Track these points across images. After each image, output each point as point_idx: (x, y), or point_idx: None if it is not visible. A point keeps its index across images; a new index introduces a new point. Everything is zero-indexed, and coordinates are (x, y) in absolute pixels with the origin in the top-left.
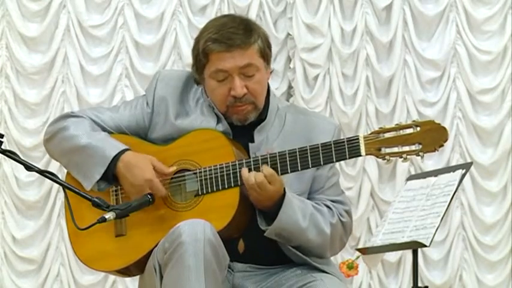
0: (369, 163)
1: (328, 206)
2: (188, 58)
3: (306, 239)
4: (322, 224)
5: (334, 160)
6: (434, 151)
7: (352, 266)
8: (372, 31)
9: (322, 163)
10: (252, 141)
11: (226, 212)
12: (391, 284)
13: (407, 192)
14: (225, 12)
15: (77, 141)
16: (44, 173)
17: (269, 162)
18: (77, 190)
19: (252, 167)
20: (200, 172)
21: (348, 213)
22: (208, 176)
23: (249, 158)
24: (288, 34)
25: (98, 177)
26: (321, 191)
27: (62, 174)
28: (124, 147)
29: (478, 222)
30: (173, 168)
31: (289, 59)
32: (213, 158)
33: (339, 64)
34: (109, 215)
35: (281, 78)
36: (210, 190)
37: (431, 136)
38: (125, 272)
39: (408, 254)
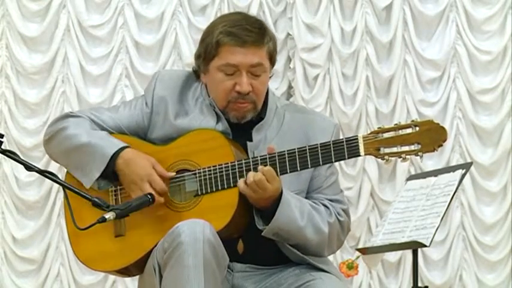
0: (369, 163)
1: (325, 205)
2: (188, 58)
3: (303, 238)
4: (320, 222)
5: (333, 160)
6: (433, 151)
7: (352, 266)
8: (372, 31)
9: (321, 163)
10: (251, 140)
11: (225, 212)
12: (391, 284)
13: (407, 192)
14: (225, 12)
15: (77, 140)
16: (44, 173)
17: (268, 163)
18: (76, 190)
19: (251, 167)
20: (199, 172)
21: (346, 212)
22: (207, 176)
23: (248, 157)
24: (288, 34)
25: (97, 174)
26: (319, 190)
27: (62, 174)
28: (123, 144)
29: (478, 222)
30: (172, 174)
31: (289, 59)
32: (212, 158)
33: (339, 64)
34: (109, 215)
35: (281, 78)
36: (209, 190)
37: (430, 136)
38: (125, 272)
39: (408, 254)
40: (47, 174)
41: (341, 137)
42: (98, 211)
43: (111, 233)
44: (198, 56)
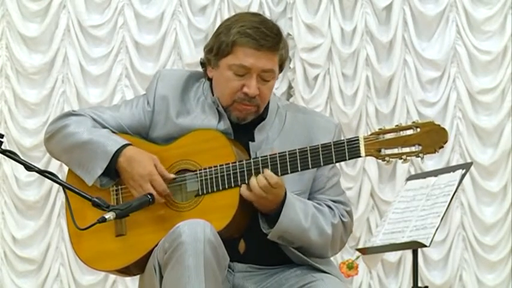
0: (369, 163)
1: (329, 206)
2: (188, 58)
3: (308, 240)
4: (324, 224)
5: (334, 161)
6: (434, 152)
7: (352, 266)
8: (372, 31)
9: (322, 164)
10: (253, 140)
11: (226, 212)
12: (391, 284)
13: (407, 192)
14: (225, 12)
15: (78, 138)
16: (44, 173)
17: (269, 163)
18: (77, 190)
19: (252, 167)
20: (200, 172)
21: (349, 213)
22: (208, 176)
23: (250, 158)
24: (288, 34)
25: (100, 172)
26: (322, 191)
27: (62, 174)
28: (126, 142)
29: (478, 222)
30: (172, 176)
31: (289, 59)
32: (213, 158)
33: (339, 64)
34: (109, 215)
35: (281, 78)
36: (210, 190)
37: (431, 137)
38: (126, 271)
39: (408, 254)
40: (47, 174)
41: (343, 137)
42: (98, 211)
43: (112, 232)
44: (209, 50)
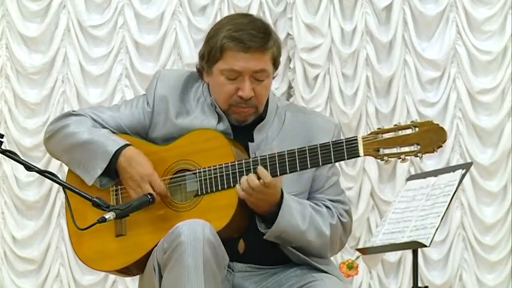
0: (369, 163)
1: (327, 206)
2: (188, 58)
3: (305, 241)
4: (322, 225)
5: (333, 161)
6: (432, 152)
7: (352, 266)
8: (372, 31)
9: (320, 164)
10: (252, 140)
11: (225, 212)
12: (391, 284)
13: (407, 192)
14: (225, 12)
15: (78, 138)
16: (44, 173)
17: (268, 163)
18: (77, 190)
19: (251, 167)
20: (200, 172)
21: (348, 213)
22: (207, 176)
23: (249, 157)
24: (288, 34)
25: (100, 171)
26: (321, 191)
27: (62, 174)
28: (125, 142)
29: (478, 222)
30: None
31: (289, 59)
32: (212, 158)
33: (339, 64)
34: (109, 215)
35: (281, 78)
36: (209, 190)
37: (429, 137)
38: (125, 271)
39: (408, 254)
40: (47, 174)
41: (342, 137)
42: (98, 211)
43: (112, 232)
44: (201, 57)
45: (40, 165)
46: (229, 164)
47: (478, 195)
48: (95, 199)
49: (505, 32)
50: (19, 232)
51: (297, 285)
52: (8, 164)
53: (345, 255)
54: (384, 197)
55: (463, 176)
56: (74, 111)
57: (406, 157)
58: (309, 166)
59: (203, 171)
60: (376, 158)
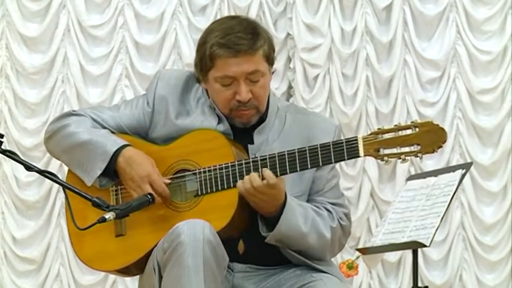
0: (369, 163)
1: (328, 210)
2: (188, 58)
3: (306, 244)
4: (323, 228)
5: (333, 161)
6: (432, 152)
7: (352, 266)
8: (372, 31)
9: (320, 164)
10: (252, 141)
11: (225, 212)
12: (391, 284)
13: (407, 192)
14: (225, 12)
15: (78, 138)
16: (44, 173)
17: (268, 163)
18: (77, 190)
19: (251, 167)
20: (200, 172)
21: (348, 216)
22: (207, 177)
23: (249, 158)
24: (288, 34)
25: (99, 172)
26: (321, 193)
27: (62, 174)
28: (125, 142)
29: (478, 222)
30: (167, 181)
31: (289, 59)
32: (212, 158)
33: (339, 64)
34: (109, 215)
35: (281, 78)
36: (209, 190)
37: (429, 137)
38: (125, 271)
39: (408, 254)
40: (47, 174)
41: (342, 138)
42: (98, 211)
43: (112, 232)
44: (196, 65)
45: (40, 165)
46: (229, 164)
47: (478, 195)
48: (95, 199)
49: (505, 32)
50: (19, 232)
51: (297, 286)
52: (8, 164)
53: (345, 255)
54: (383, 197)
55: (463, 176)
56: (74, 111)
57: (406, 157)
58: (309, 166)
59: (203, 171)
60: (376, 158)
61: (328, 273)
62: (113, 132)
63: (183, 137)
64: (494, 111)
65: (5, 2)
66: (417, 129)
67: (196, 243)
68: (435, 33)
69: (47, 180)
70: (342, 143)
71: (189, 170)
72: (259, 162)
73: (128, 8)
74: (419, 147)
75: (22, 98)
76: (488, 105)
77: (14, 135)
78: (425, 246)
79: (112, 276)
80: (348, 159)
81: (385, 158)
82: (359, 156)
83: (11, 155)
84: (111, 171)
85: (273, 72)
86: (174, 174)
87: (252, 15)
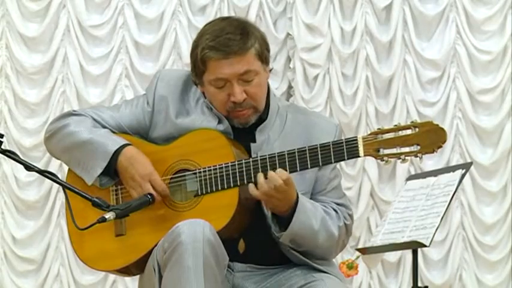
0: (369, 163)
1: (335, 210)
2: (188, 58)
3: (315, 243)
4: (332, 227)
5: (333, 161)
6: (432, 152)
7: (352, 266)
8: (372, 31)
9: (320, 164)
10: (254, 141)
11: (225, 212)
12: (391, 284)
13: (407, 192)
14: (225, 12)
15: (79, 137)
16: (43, 173)
17: (268, 163)
18: (77, 190)
19: (251, 167)
20: (200, 172)
21: (351, 216)
22: (207, 176)
23: (249, 158)
24: (288, 34)
25: (99, 171)
26: (323, 193)
27: (62, 174)
28: (125, 142)
29: (478, 222)
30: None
31: (289, 59)
32: (212, 158)
33: (338, 64)
34: (109, 215)
35: (281, 78)
36: (209, 190)
37: (429, 137)
38: (125, 271)
39: (408, 254)
40: (47, 174)
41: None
42: (98, 211)
43: (112, 232)
44: (191, 69)
45: (40, 165)
46: (230, 164)
47: (478, 195)
48: (95, 199)
49: (504, 32)
50: (19, 232)
51: (297, 285)
52: (8, 164)
53: (345, 255)
54: (383, 197)
55: (463, 176)
56: (74, 110)
57: (406, 157)
58: (309, 166)
59: (203, 171)
60: (376, 158)
61: (329, 273)
62: (113, 132)
63: (183, 136)
64: (494, 111)
65: (5, 2)
66: (417, 129)
67: (196, 243)
68: (435, 33)
69: (47, 180)
70: (342, 143)
71: (189, 170)
72: (259, 162)
73: (128, 7)
74: (419, 147)
75: (22, 98)
76: (488, 105)
77: (14, 135)
78: (425, 246)
79: (112, 276)
80: (347, 159)
81: (385, 158)
82: (359, 156)
83: (11, 155)
84: (112, 171)
85: (270, 70)
86: (174, 174)
87: (252, 15)
